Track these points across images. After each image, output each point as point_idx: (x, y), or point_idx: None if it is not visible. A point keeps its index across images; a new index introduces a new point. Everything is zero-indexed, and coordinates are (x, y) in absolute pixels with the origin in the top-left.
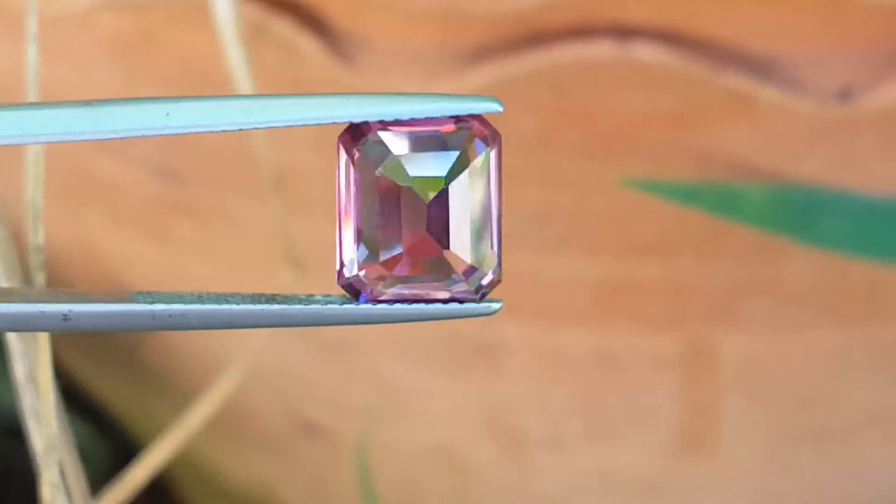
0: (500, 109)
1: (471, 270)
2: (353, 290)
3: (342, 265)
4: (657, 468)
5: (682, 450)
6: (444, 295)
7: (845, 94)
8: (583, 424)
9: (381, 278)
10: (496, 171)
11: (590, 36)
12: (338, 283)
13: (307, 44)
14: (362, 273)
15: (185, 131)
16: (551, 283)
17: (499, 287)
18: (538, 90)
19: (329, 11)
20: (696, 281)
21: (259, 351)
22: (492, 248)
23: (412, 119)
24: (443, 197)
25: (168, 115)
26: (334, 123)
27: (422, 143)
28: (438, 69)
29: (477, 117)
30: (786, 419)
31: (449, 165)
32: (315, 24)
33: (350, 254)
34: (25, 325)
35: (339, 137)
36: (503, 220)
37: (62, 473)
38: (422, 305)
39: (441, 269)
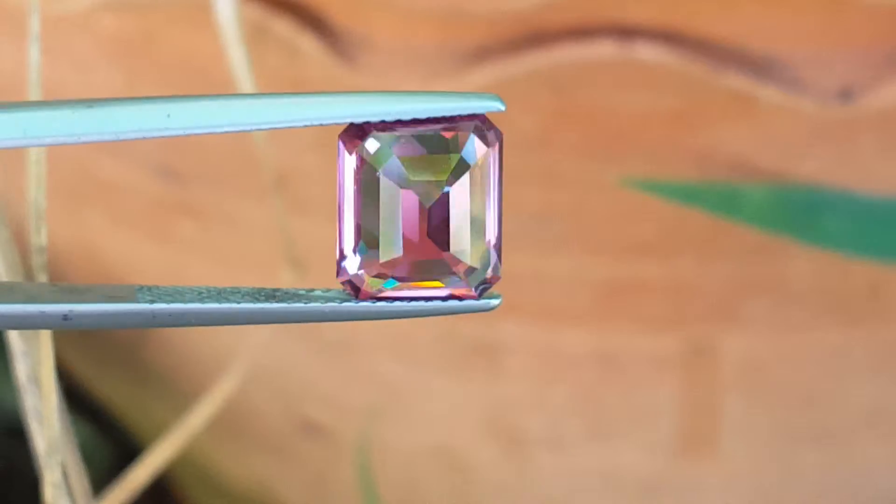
0: (502, 108)
1: (470, 270)
2: (353, 287)
3: (342, 262)
4: (657, 468)
5: (682, 450)
6: (444, 292)
7: (846, 94)
8: (583, 424)
9: (381, 276)
10: (497, 171)
11: (590, 36)
12: (338, 279)
13: (308, 44)
14: (362, 272)
15: (187, 132)
16: (551, 283)
17: (499, 287)
18: (538, 90)
19: (329, 11)
20: (697, 281)
21: (260, 351)
22: (492, 247)
23: (414, 119)
24: (443, 199)
25: (169, 116)
26: (336, 124)
27: (423, 145)
28: (439, 69)
29: (478, 116)
30: (786, 419)
31: (450, 168)
32: (316, 23)
33: (350, 252)
34: (26, 324)
35: (339, 136)
36: (503, 219)
37: (64, 474)
38: (421, 303)
39: (441, 269)
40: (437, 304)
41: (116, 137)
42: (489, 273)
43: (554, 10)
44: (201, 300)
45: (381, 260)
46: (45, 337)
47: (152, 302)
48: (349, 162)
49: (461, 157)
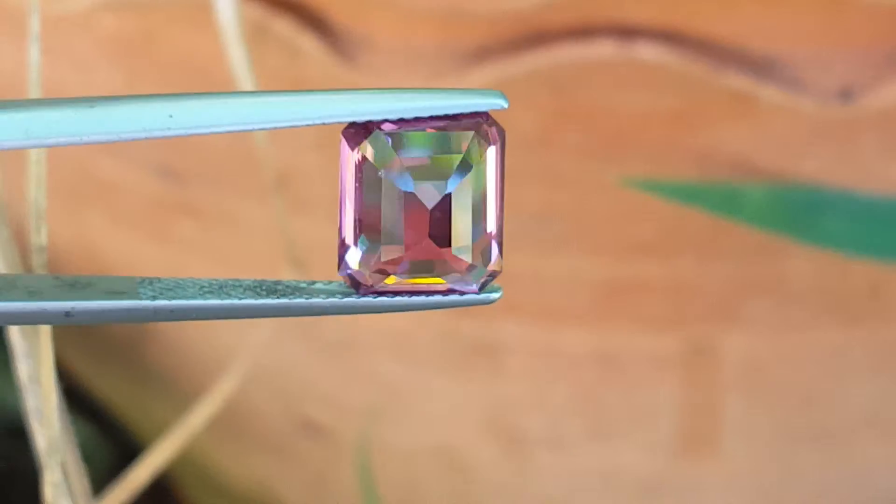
0: (505, 105)
1: (472, 267)
2: (354, 282)
3: (343, 256)
4: (657, 468)
5: (682, 450)
6: (445, 287)
7: (846, 94)
8: (583, 424)
9: (382, 273)
10: (500, 168)
11: (590, 36)
12: (339, 273)
13: (308, 43)
14: (364, 269)
15: (191, 132)
16: (551, 283)
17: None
18: (538, 90)
19: (330, 11)
20: (697, 281)
21: (260, 351)
22: (493, 244)
23: (416, 117)
24: (445, 200)
25: (171, 116)
26: (340, 122)
27: (426, 145)
28: (439, 69)
29: (481, 114)
30: (786, 419)
31: (452, 168)
32: (316, 23)
33: (351, 248)
34: (28, 320)
35: (342, 132)
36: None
37: (64, 473)
38: (422, 297)
39: (442, 267)
40: (438, 299)
41: (119, 138)
42: (490, 268)
43: (554, 9)
44: (203, 295)
45: (383, 259)
46: (45, 336)
47: (154, 298)
48: (351, 159)
49: (464, 157)
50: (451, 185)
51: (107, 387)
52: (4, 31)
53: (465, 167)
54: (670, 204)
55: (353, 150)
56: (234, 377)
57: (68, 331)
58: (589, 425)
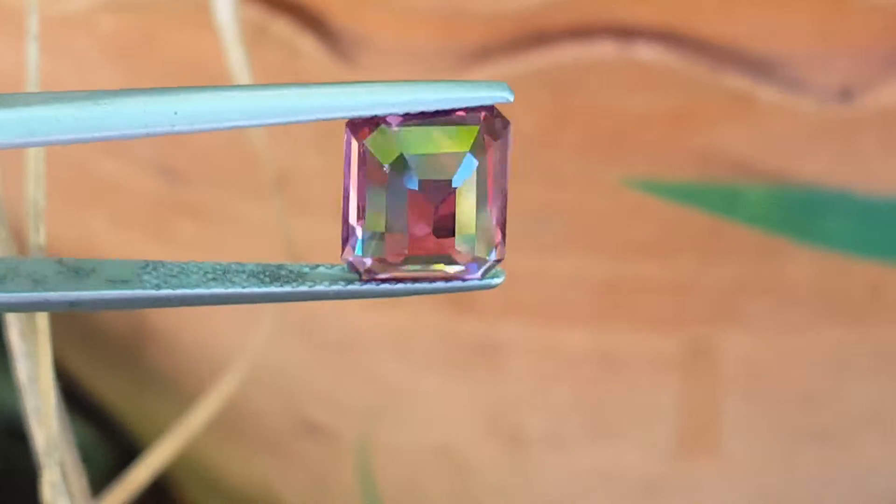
0: (511, 98)
1: (476, 259)
2: (356, 269)
3: (346, 244)
4: (657, 468)
5: (682, 450)
6: (447, 275)
7: (846, 94)
8: (583, 424)
9: (385, 263)
10: (505, 162)
11: (590, 36)
12: (341, 259)
13: (307, 44)
14: (367, 260)
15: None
16: (551, 283)
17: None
18: (538, 90)
19: (329, 11)
20: (697, 281)
21: (260, 351)
22: (498, 237)
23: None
24: (450, 195)
25: (176, 113)
26: (345, 116)
27: (431, 140)
28: (439, 69)
29: (486, 107)
30: (786, 419)
31: (457, 164)
32: (315, 23)
33: (354, 241)
34: (32, 309)
35: (347, 125)
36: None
37: (63, 474)
38: (424, 284)
39: (446, 260)
40: (440, 285)
41: (123, 135)
42: (493, 258)
43: (554, 9)
44: (206, 283)
45: (387, 254)
46: (43, 336)
47: (158, 287)
48: (356, 154)
49: (469, 152)
50: (457, 181)
51: (106, 387)
52: (5, 31)
53: (470, 162)
54: (670, 204)
55: (357, 144)
56: (234, 377)
57: (68, 331)
58: (589, 425)
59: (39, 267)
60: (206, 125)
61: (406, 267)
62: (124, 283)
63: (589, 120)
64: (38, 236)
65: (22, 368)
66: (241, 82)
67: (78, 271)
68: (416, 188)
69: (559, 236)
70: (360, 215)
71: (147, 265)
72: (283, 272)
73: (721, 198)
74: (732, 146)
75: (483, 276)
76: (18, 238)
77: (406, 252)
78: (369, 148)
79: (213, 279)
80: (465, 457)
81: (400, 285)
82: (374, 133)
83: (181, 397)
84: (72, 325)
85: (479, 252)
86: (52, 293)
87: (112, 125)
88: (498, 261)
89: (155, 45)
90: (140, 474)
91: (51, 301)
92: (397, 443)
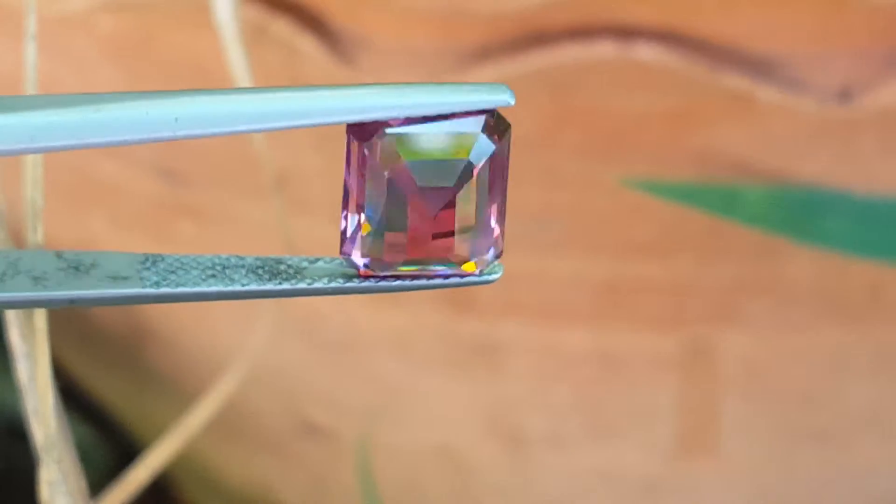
0: (512, 102)
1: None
2: (355, 265)
3: (345, 240)
4: (657, 468)
5: (682, 450)
6: (446, 272)
7: (845, 94)
8: (583, 424)
9: (384, 263)
10: (504, 165)
11: (590, 36)
12: (340, 254)
13: (307, 44)
14: (366, 259)
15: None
16: (551, 283)
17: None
18: (538, 90)
19: (329, 11)
20: (696, 281)
21: (260, 351)
22: (498, 241)
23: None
24: (450, 200)
25: (177, 120)
26: (346, 120)
27: (431, 145)
28: (439, 69)
29: (487, 110)
30: (786, 419)
31: (457, 169)
32: (315, 24)
33: (353, 237)
34: (32, 306)
35: (347, 128)
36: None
37: (62, 473)
38: (423, 280)
39: (444, 262)
40: (439, 282)
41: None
42: (490, 257)
43: (554, 10)
44: (206, 280)
45: (385, 256)
46: (41, 336)
47: (157, 285)
48: (356, 157)
49: (469, 156)
50: (457, 185)
51: (106, 387)
52: (4, 31)
53: (470, 166)
54: (670, 204)
55: (358, 147)
56: (234, 377)
57: (67, 331)
58: (589, 425)
59: (39, 261)
60: (207, 130)
61: (405, 267)
62: (124, 280)
63: (588, 120)
64: (37, 236)
65: (22, 369)
66: (241, 83)
67: (78, 266)
68: (417, 192)
69: (559, 237)
70: (360, 225)
71: (146, 259)
72: (282, 267)
73: (720, 198)
74: (732, 146)
75: (481, 272)
76: (17, 239)
77: (405, 253)
78: (370, 151)
79: (213, 276)
80: (465, 457)
81: (398, 282)
82: (376, 136)
83: (181, 397)
84: (71, 324)
85: (479, 255)
86: (53, 292)
87: (113, 131)
88: (497, 256)
89: (154, 46)
90: (139, 474)
91: (51, 299)
92: (397, 443)
